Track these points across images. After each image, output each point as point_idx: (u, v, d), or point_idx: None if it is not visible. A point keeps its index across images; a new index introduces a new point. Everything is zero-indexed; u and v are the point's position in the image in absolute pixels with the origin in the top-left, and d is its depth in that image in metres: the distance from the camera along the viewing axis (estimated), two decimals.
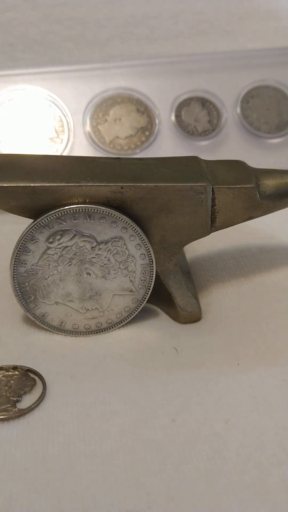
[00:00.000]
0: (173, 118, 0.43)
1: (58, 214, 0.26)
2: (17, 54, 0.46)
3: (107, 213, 0.26)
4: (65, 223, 0.26)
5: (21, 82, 0.43)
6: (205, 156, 0.31)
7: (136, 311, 0.28)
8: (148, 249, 0.27)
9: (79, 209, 0.26)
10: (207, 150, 0.42)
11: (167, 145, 0.42)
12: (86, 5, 0.48)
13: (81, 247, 0.27)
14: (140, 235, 0.27)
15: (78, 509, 0.19)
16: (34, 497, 0.20)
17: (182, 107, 0.43)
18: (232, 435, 0.22)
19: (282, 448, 0.21)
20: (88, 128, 0.43)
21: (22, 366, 0.26)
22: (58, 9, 0.47)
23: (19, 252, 0.27)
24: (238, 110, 0.43)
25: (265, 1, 0.48)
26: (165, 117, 0.43)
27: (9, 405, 0.24)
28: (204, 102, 0.43)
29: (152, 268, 0.27)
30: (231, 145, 0.43)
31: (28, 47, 0.46)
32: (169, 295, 0.29)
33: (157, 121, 0.43)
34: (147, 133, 0.43)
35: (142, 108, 0.43)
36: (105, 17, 0.47)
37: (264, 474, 0.20)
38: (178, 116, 0.43)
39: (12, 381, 0.25)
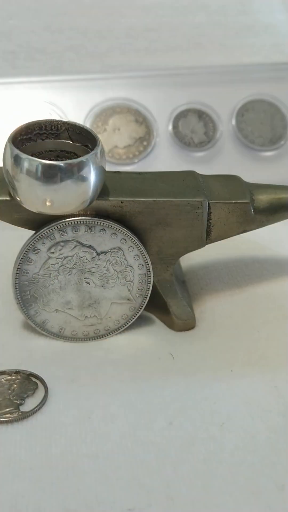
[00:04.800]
0: (170, 129, 0.44)
1: (59, 226, 0.27)
2: (18, 62, 0.47)
3: (107, 225, 0.27)
4: (66, 235, 0.27)
5: (22, 90, 0.44)
6: (201, 167, 0.32)
7: (133, 318, 0.29)
8: (146, 259, 0.28)
9: (80, 221, 0.27)
10: (203, 161, 0.43)
11: (164, 155, 0.43)
12: (87, 16, 0.48)
13: (81, 257, 0.28)
14: (139, 247, 0.28)
15: (82, 506, 0.20)
16: (39, 494, 0.21)
17: (179, 118, 0.44)
18: (227, 438, 0.23)
19: (274, 451, 0.22)
20: None
21: (24, 370, 0.27)
22: (60, 19, 0.48)
23: (21, 262, 0.27)
24: (234, 122, 0.44)
25: (262, 17, 0.50)
26: (163, 128, 0.44)
27: (12, 408, 0.25)
28: (200, 114, 0.44)
29: (149, 277, 0.28)
30: (226, 157, 0.43)
31: (30, 56, 0.47)
32: (165, 304, 0.30)
33: (154, 132, 0.44)
34: (145, 143, 0.44)
35: (141, 118, 0.44)
36: (106, 28, 0.48)
37: (258, 475, 0.21)
38: (175, 127, 0.44)
39: (14, 385, 0.26)
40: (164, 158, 0.43)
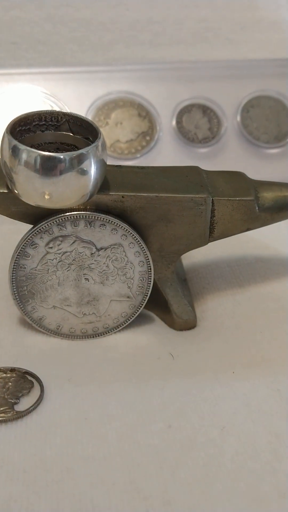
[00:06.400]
0: (174, 124, 0.43)
1: (58, 220, 0.26)
2: (20, 52, 0.46)
3: (108, 221, 0.27)
4: (65, 229, 0.27)
5: (23, 81, 0.43)
6: (204, 163, 0.31)
7: (133, 317, 0.29)
8: (147, 256, 0.28)
9: (79, 216, 0.26)
10: (207, 157, 0.43)
11: (167, 150, 0.43)
12: (91, 7, 0.48)
13: (81, 253, 0.27)
14: (139, 243, 0.27)
15: (76, 511, 0.20)
16: (33, 498, 0.20)
17: (183, 113, 0.44)
18: (227, 442, 0.22)
19: (275, 456, 0.22)
20: None
21: (20, 368, 0.26)
22: (63, 10, 0.47)
23: (18, 256, 0.27)
24: (238, 118, 0.44)
25: (268, 12, 0.49)
26: (166, 123, 0.43)
27: (7, 407, 0.24)
28: (205, 110, 0.44)
29: (150, 275, 0.28)
30: (230, 153, 0.43)
31: (32, 47, 0.47)
32: (166, 302, 0.29)
33: (158, 127, 0.43)
34: (147, 138, 0.43)
35: (144, 112, 0.43)
36: (110, 20, 0.47)
37: (258, 481, 0.21)
38: (179, 122, 0.43)
39: (9, 383, 0.26)
40: (167, 154, 0.43)
